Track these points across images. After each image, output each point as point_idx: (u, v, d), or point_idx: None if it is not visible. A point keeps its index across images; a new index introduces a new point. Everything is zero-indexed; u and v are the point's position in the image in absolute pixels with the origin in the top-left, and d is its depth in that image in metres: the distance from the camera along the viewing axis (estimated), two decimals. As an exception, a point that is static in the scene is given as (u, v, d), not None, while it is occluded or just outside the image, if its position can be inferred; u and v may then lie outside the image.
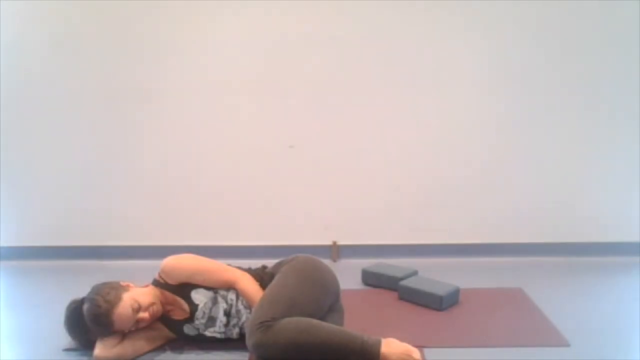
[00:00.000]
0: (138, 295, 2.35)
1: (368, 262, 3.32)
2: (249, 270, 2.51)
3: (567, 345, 2.43)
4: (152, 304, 2.36)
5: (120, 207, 3.66)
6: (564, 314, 2.73)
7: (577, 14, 3.39)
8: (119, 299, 2.30)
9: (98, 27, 3.47)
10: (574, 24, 3.41)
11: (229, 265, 2.51)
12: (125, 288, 2.37)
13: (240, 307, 2.41)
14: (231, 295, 2.42)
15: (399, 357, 2.11)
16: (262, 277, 2.47)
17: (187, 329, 2.43)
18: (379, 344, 2.13)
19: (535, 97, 3.50)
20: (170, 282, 2.42)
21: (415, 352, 2.14)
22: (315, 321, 2.18)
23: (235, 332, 2.44)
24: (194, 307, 2.40)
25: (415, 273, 3.17)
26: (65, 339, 2.49)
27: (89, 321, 2.30)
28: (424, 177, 3.59)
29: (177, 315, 2.44)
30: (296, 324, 2.13)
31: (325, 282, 2.40)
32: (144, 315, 2.32)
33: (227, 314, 2.41)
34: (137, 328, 2.37)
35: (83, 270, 3.50)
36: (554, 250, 3.59)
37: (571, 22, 3.41)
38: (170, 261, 2.43)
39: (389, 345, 2.14)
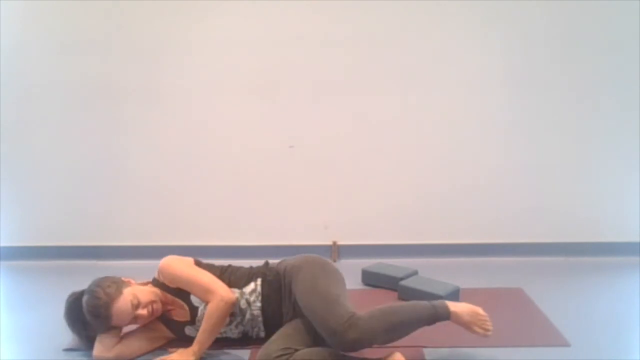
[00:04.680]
0: (138, 291, 2.34)
1: (368, 262, 3.32)
2: (250, 269, 2.49)
3: (567, 345, 2.43)
4: (152, 302, 2.35)
5: (119, 207, 3.66)
6: (564, 314, 2.73)
7: (579, 16, 3.40)
8: (119, 292, 2.29)
9: (99, 28, 3.48)
10: (576, 27, 3.42)
11: (223, 274, 2.46)
12: (127, 283, 2.37)
13: (244, 305, 2.39)
14: (237, 295, 2.38)
15: (469, 314, 2.31)
16: (265, 273, 2.44)
17: (189, 331, 2.42)
18: (445, 305, 2.31)
19: (534, 98, 3.50)
20: (169, 284, 2.41)
21: (480, 309, 2.33)
22: (385, 306, 2.29)
23: (237, 332, 2.43)
24: (194, 310, 2.38)
25: (415, 273, 3.17)
26: (65, 339, 2.49)
27: (87, 313, 2.29)
28: (424, 178, 3.59)
29: (179, 317, 2.42)
30: (378, 311, 2.22)
31: (342, 277, 2.45)
32: (143, 312, 2.31)
33: (230, 313, 2.39)
34: (136, 324, 2.36)
35: (83, 270, 3.48)
36: (554, 250, 3.59)
37: (573, 25, 3.41)
38: (165, 262, 2.41)
39: (455, 305, 2.33)
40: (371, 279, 3.19)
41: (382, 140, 3.56)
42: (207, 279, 2.36)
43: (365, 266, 3.24)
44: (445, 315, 2.30)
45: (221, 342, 2.43)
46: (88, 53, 3.50)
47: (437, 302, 2.33)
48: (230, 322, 2.40)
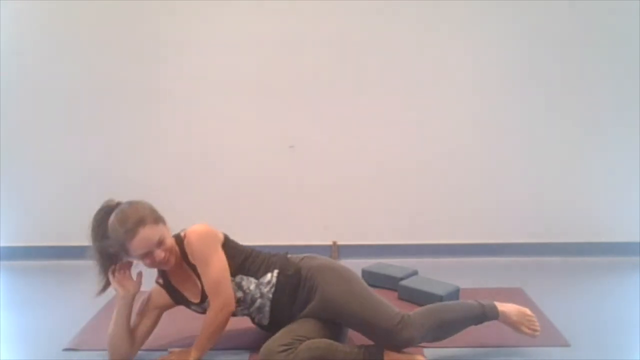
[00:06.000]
0: (170, 237, 2.27)
1: (368, 262, 3.32)
2: (269, 258, 2.40)
3: (567, 345, 2.43)
4: (171, 253, 2.25)
5: (120, 207, 3.65)
6: (564, 314, 2.72)
7: (578, 15, 3.40)
8: (157, 222, 2.22)
9: (99, 28, 3.48)
10: (575, 25, 3.42)
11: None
12: (167, 225, 2.29)
13: (257, 295, 2.34)
14: (251, 286, 2.33)
15: (516, 314, 2.35)
16: (285, 265, 2.37)
17: (195, 307, 2.39)
18: (494, 305, 2.36)
19: (535, 98, 3.50)
20: (189, 256, 2.29)
21: (528, 310, 2.38)
22: (434, 305, 2.37)
23: (241, 314, 2.40)
24: (205, 293, 2.32)
25: (415, 273, 3.17)
26: (65, 339, 2.50)
27: (116, 218, 2.19)
28: (424, 177, 3.60)
29: (190, 294, 2.36)
30: (427, 310, 2.30)
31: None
32: (161, 254, 2.20)
33: (238, 301, 2.34)
34: (144, 263, 2.24)
35: (83, 270, 3.47)
36: (554, 250, 3.59)
37: (572, 23, 3.42)
38: (194, 233, 2.28)
39: (503, 305, 2.37)
40: (371, 279, 3.18)
41: (382, 140, 3.56)
42: (219, 275, 2.27)
43: (365, 266, 3.24)
44: (494, 315, 2.35)
45: (222, 343, 2.40)
46: (89, 54, 3.50)
47: (485, 302, 2.37)
48: (238, 306, 2.35)
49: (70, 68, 3.52)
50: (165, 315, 2.46)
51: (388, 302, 2.28)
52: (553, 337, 2.50)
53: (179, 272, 2.36)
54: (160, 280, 2.41)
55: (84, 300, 2.93)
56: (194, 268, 2.31)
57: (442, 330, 2.30)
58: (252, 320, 2.43)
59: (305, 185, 3.62)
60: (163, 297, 2.40)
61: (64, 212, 3.66)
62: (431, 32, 3.45)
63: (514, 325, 2.37)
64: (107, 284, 2.32)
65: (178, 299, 2.40)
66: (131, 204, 2.25)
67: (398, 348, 2.23)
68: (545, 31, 3.43)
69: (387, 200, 3.62)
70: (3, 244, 3.68)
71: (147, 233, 2.18)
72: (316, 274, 2.34)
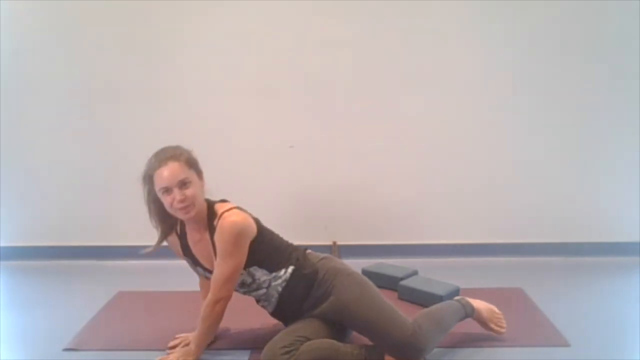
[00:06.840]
0: (200, 190, 2.29)
1: (368, 262, 3.32)
2: (290, 253, 2.39)
3: (567, 345, 2.43)
4: (192, 203, 2.23)
5: (120, 207, 3.65)
6: (564, 314, 2.72)
7: (582, 16, 3.41)
8: (191, 167, 2.27)
9: (99, 28, 3.48)
10: (578, 26, 3.42)
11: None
12: (203, 179, 2.34)
13: (264, 285, 2.32)
14: (263, 277, 2.31)
15: (486, 310, 2.43)
16: (302, 264, 2.36)
17: (203, 272, 2.39)
18: (469, 301, 2.43)
19: (534, 99, 3.49)
20: (215, 238, 2.24)
21: (495, 307, 2.46)
22: (427, 313, 2.36)
23: (242, 293, 2.39)
24: None
25: (415, 273, 3.17)
26: (65, 339, 2.50)
27: (157, 151, 2.31)
28: (424, 178, 3.59)
29: (206, 263, 2.34)
30: (427, 318, 2.30)
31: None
32: (179, 195, 2.19)
33: (243, 284, 2.33)
34: (164, 204, 2.26)
35: (83, 270, 3.50)
36: (554, 250, 3.59)
37: (575, 24, 3.42)
38: (229, 227, 2.21)
39: (475, 302, 2.45)
40: (371, 279, 3.12)
41: (382, 140, 3.56)
42: (231, 273, 2.22)
43: (365, 266, 3.24)
44: (470, 313, 2.41)
45: (223, 342, 2.42)
46: (89, 54, 3.50)
47: (461, 300, 2.44)
48: (241, 287, 2.34)
49: (70, 68, 3.52)
50: (166, 315, 2.46)
51: (402, 313, 2.27)
52: (553, 337, 2.50)
53: (198, 237, 2.34)
54: (178, 230, 2.39)
55: (84, 300, 2.96)
56: (214, 245, 2.27)
57: (442, 336, 2.32)
58: (257, 302, 2.42)
59: (305, 185, 3.62)
60: (176, 247, 2.42)
61: (64, 212, 3.66)
62: (431, 32, 3.45)
63: (484, 321, 2.43)
64: (160, 242, 2.41)
65: (186, 254, 2.39)
66: (177, 145, 2.32)
67: (411, 358, 2.19)
68: (546, 31, 3.42)
69: (387, 200, 3.62)
70: (3, 244, 3.68)
71: (175, 168, 2.22)
72: (333, 277, 2.33)
